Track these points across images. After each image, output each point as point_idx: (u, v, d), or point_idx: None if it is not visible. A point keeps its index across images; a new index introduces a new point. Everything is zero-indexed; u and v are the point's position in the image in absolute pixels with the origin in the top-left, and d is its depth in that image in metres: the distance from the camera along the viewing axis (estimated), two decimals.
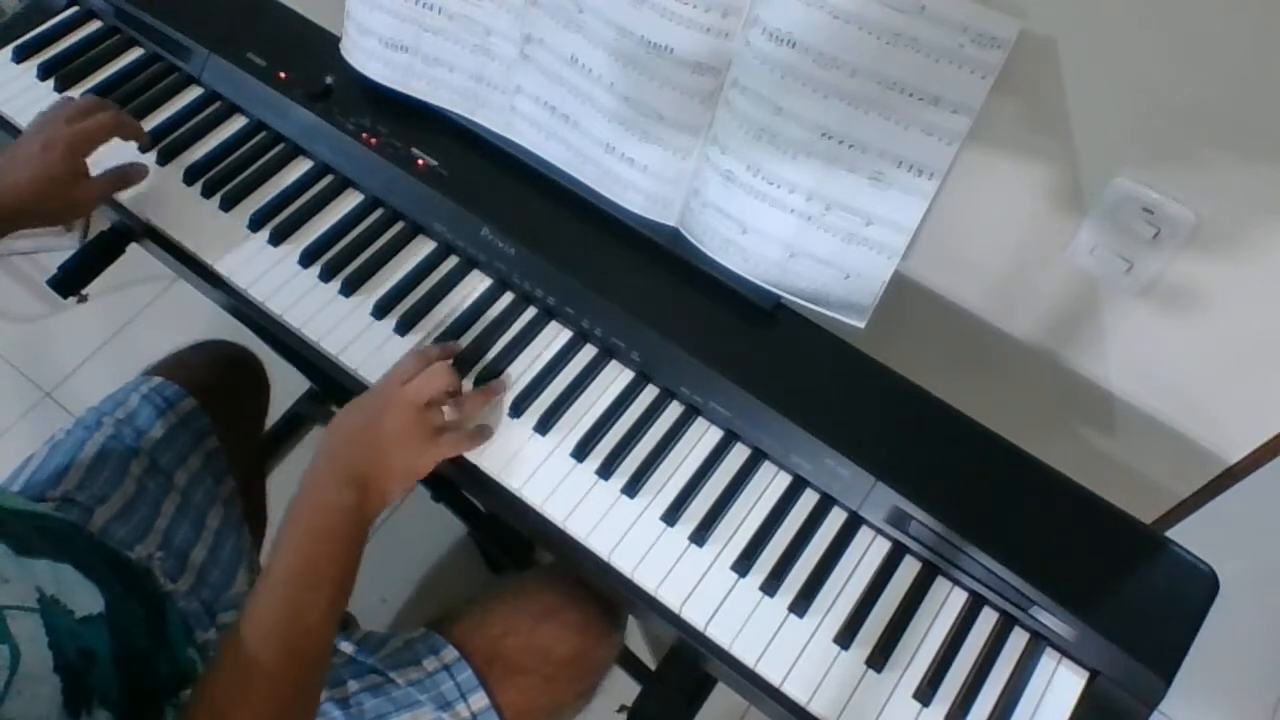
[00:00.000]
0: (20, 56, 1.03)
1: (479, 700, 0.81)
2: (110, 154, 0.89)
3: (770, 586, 0.74)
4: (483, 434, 0.79)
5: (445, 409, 0.77)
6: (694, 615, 0.73)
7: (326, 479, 0.71)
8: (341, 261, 0.89)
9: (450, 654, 0.83)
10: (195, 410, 0.98)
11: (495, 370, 0.83)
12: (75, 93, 1.00)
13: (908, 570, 0.75)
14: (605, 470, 0.78)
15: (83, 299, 1.81)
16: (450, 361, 0.79)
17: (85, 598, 0.66)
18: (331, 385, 1.23)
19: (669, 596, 0.74)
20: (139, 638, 0.71)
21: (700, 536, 0.75)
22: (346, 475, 0.71)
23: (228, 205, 0.92)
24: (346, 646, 0.84)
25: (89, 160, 0.86)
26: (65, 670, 0.58)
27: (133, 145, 0.93)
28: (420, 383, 0.76)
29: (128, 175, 0.89)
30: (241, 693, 0.63)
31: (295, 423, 1.51)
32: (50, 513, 0.79)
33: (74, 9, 1.07)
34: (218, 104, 0.99)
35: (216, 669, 0.64)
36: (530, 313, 0.86)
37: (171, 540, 0.88)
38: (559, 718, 0.89)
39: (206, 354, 1.07)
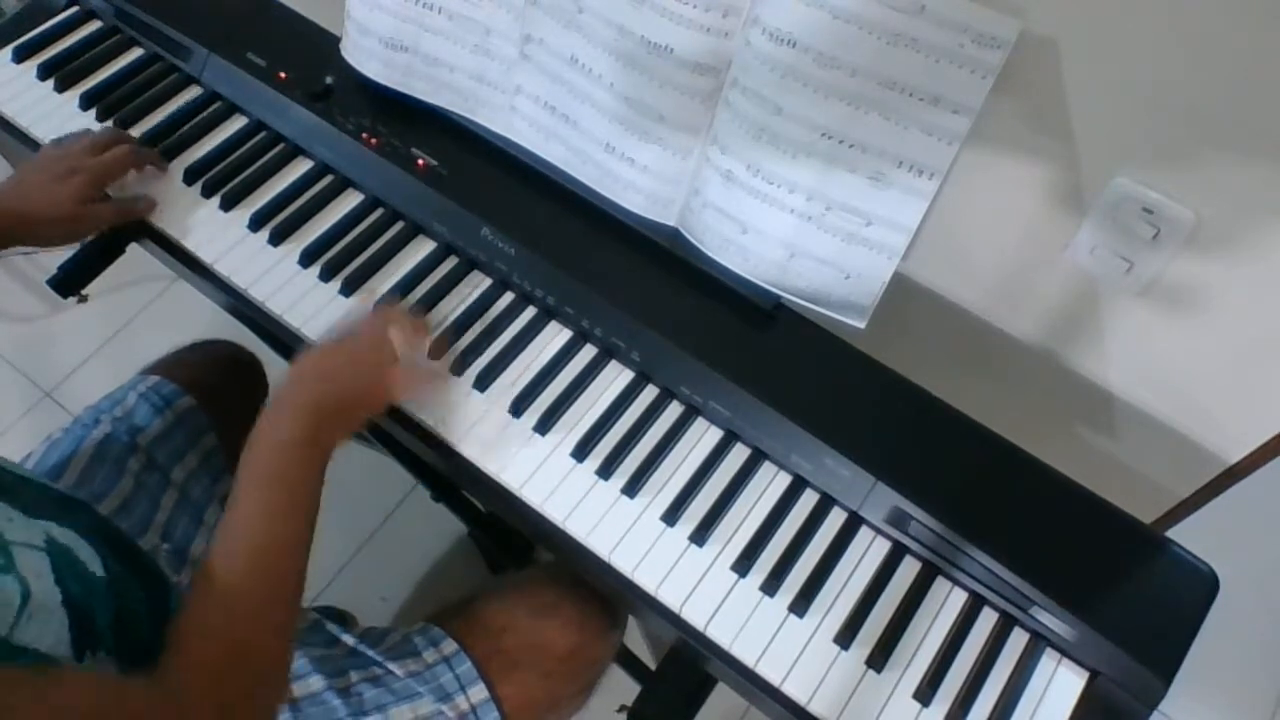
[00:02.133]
0: (20, 56, 1.03)
1: (478, 693, 0.81)
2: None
3: (770, 586, 0.74)
4: (439, 376, 0.81)
5: (402, 349, 0.79)
6: (694, 615, 0.73)
7: (283, 411, 0.73)
8: (341, 261, 0.89)
9: (449, 646, 0.83)
10: (193, 409, 0.98)
11: (495, 371, 0.83)
12: (75, 93, 1.00)
13: (908, 570, 0.75)
14: (605, 470, 0.78)
15: (83, 299, 1.81)
16: (408, 311, 0.83)
17: (90, 559, 0.67)
18: None
19: (669, 597, 0.74)
20: (138, 613, 0.72)
21: (700, 536, 0.75)
22: (302, 407, 0.72)
23: (228, 205, 0.92)
24: (348, 639, 0.85)
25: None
26: (72, 609, 0.59)
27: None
28: (381, 324, 0.79)
29: (135, 207, 0.91)
30: (212, 623, 0.64)
31: None
32: (55, 487, 0.80)
33: (74, 9, 1.07)
34: (218, 104, 0.99)
35: (187, 607, 0.65)
36: (530, 313, 0.86)
37: (171, 534, 0.88)
38: (558, 714, 0.89)
39: (205, 353, 1.07)
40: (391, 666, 0.82)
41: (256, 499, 0.68)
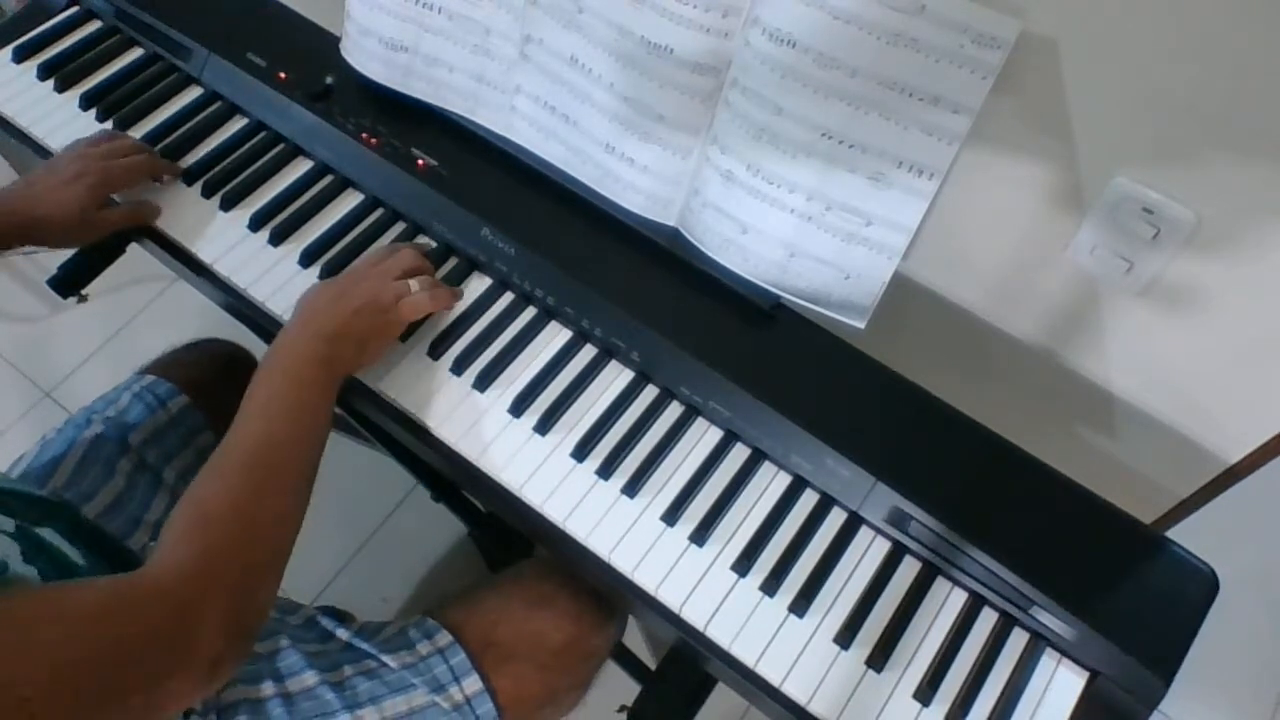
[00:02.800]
0: (20, 56, 1.03)
1: (472, 684, 0.81)
2: None
3: (770, 586, 0.74)
4: (447, 295, 0.84)
5: (413, 283, 0.82)
6: (694, 615, 0.73)
7: (299, 332, 0.76)
8: (342, 261, 0.89)
9: (444, 638, 0.83)
10: (188, 408, 0.98)
11: (495, 371, 0.83)
12: (75, 93, 1.00)
13: (908, 570, 0.75)
14: (605, 470, 0.78)
15: (83, 299, 1.81)
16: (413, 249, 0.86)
17: (68, 550, 0.67)
18: None
19: (669, 596, 0.74)
20: None
21: (700, 536, 0.75)
22: (316, 330, 0.76)
23: (228, 205, 0.92)
24: (343, 633, 0.85)
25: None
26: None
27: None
28: (390, 261, 0.82)
29: (140, 212, 0.91)
30: (208, 507, 0.65)
31: None
32: (34, 491, 0.80)
33: (74, 9, 1.07)
34: (218, 104, 0.99)
35: (183, 500, 0.66)
36: (530, 313, 0.86)
37: None
38: (555, 707, 0.89)
39: (201, 352, 1.07)
40: (386, 659, 0.82)
41: (264, 403, 0.70)
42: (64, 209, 0.85)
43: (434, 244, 0.90)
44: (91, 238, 0.91)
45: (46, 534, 0.68)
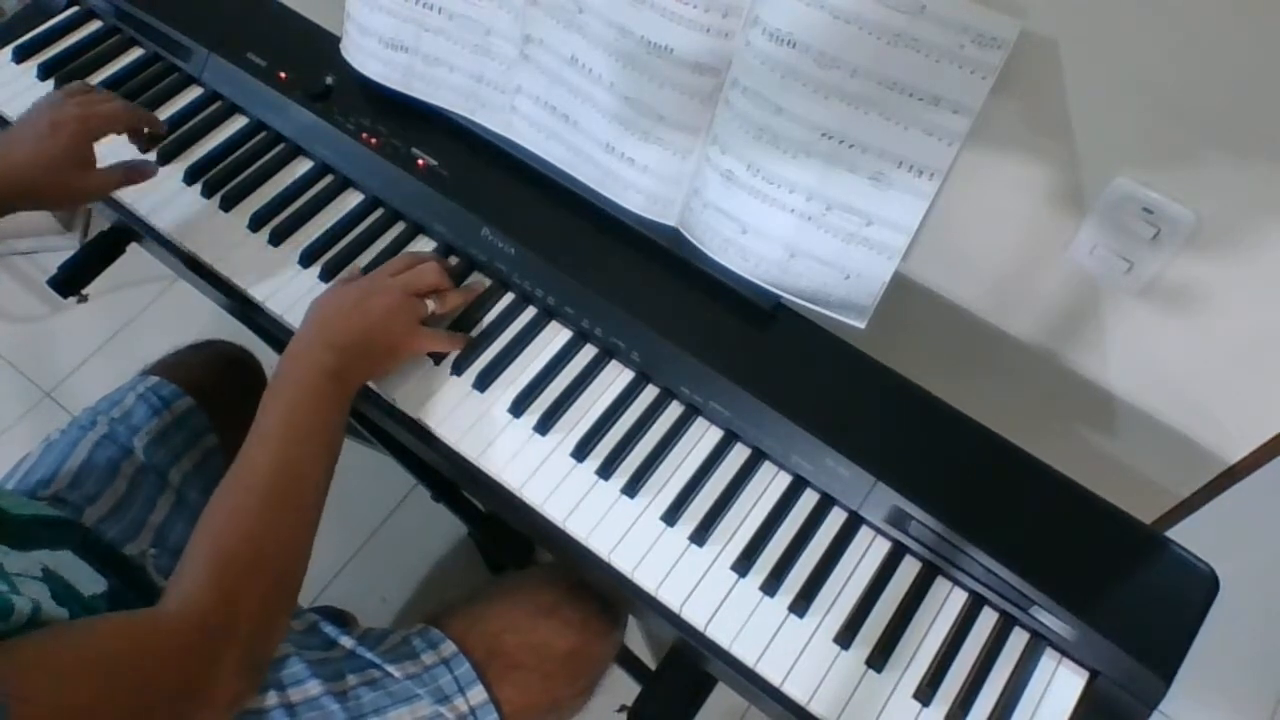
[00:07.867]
0: (20, 56, 1.03)
1: (477, 695, 0.81)
2: (115, 151, 0.90)
3: (770, 586, 0.74)
4: (462, 339, 0.83)
5: (430, 302, 0.81)
6: (694, 615, 0.73)
7: (311, 342, 0.75)
8: (342, 261, 0.89)
9: (448, 648, 0.83)
10: (192, 409, 0.98)
11: (495, 371, 0.83)
12: None
13: (908, 570, 0.75)
14: (605, 470, 0.78)
15: (83, 299, 1.81)
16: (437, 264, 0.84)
17: (87, 579, 0.67)
18: None
19: (669, 596, 0.74)
20: None
21: (700, 536, 0.75)
22: (329, 341, 0.75)
23: (228, 205, 0.92)
24: (346, 641, 0.84)
25: (97, 150, 0.84)
26: None
27: (134, 147, 0.93)
28: (411, 275, 0.81)
29: (135, 171, 0.87)
30: (226, 541, 0.64)
31: None
32: (45, 510, 0.80)
33: (74, 9, 1.07)
34: (218, 104, 0.99)
35: (200, 526, 0.66)
36: (530, 313, 0.86)
37: (166, 537, 0.88)
38: (558, 715, 0.89)
39: (204, 354, 1.07)
40: (390, 669, 0.82)
41: (278, 422, 0.70)
42: (44, 162, 0.80)
43: (435, 244, 0.90)
44: (83, 198, 0.87)
45: (66, 558, 0.67)
